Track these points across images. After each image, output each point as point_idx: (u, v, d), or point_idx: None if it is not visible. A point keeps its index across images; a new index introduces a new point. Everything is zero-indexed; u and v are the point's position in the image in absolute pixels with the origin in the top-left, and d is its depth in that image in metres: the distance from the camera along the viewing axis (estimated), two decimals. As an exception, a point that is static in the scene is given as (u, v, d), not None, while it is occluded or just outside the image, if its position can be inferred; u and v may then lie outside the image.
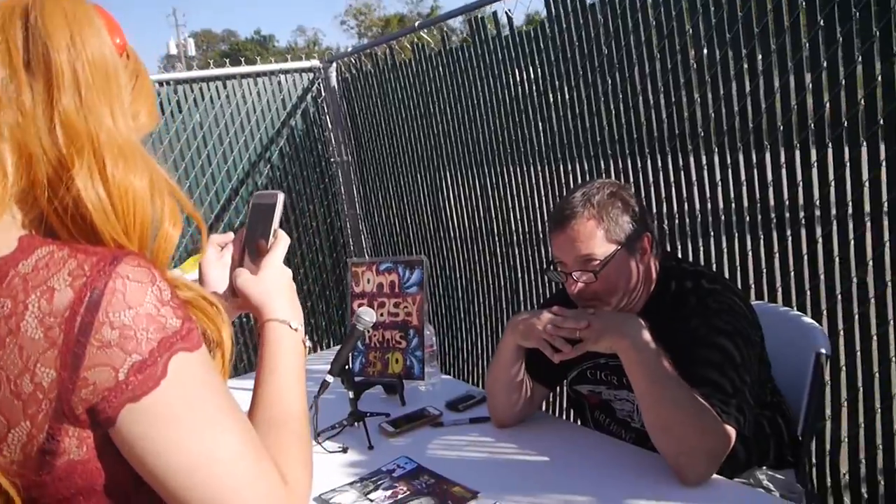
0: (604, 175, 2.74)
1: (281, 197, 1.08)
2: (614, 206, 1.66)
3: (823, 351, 1.82)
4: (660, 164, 2.56)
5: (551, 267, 1.75)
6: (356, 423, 1.90)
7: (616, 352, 1.56)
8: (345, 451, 1.81)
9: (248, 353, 4.07)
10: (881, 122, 1.91)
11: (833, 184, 2.06)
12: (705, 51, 2.32)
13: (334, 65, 4.18)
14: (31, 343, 0.69)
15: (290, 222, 4.19)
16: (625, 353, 1.54)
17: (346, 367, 1.93)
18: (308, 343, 1.03)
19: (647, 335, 1.54)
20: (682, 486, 1.46)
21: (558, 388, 1.94)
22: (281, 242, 1.07)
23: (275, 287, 1.04)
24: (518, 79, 3.05)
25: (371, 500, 1.55)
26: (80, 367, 0.69)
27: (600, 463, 1.63)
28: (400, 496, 1.56)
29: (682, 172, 2.49)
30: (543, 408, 3.18)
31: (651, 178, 2.59)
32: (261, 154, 4.20)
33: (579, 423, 1.95)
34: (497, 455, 1.74)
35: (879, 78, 1.90)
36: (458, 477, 1.60)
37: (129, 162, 0.77)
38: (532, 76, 2.98)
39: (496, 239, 3.40)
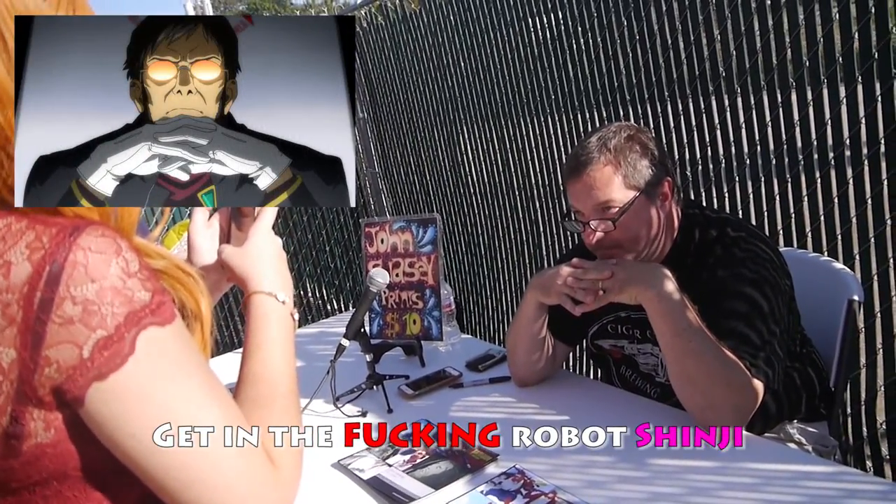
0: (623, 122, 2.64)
1: None
2: (632, 150, 1.58)
3: (856, 298, 1.74)
4: (680, 107, 2.45)
5: (568, 217, 1.69)
6: (375, 387, 1.87)
7: (640, 302, 1.50)
8: (364, 415, 1.79)
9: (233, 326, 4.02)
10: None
11: (864, 121, 1.96)
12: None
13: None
14: None
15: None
16: (649, 303, 1.48)
17: (362, 329, 1.89)
18: (296, 316, 0.98)
19: (672, 285, 1.47)
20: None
21: (584, 344, 1.88)
22: (268, 209, 1.01)
23: (260, 257, 0.99)
24: (531, 24, 2.94)
25: (390, 465, 1.52)
26: (42, 346, 0.65)
27: (624, 420, 1.57)
28: (419, 460, 1.52)
29: (704, 115, 2.38)
30: (570, 367, 3.15)
31: (672, 123, 2.49)
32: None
33: (604, 380, 1.89)
34: (517, 416, 1.70)
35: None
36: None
37: None
38: (545, 21, 2.87)
39: (516, 193, 3.32)
